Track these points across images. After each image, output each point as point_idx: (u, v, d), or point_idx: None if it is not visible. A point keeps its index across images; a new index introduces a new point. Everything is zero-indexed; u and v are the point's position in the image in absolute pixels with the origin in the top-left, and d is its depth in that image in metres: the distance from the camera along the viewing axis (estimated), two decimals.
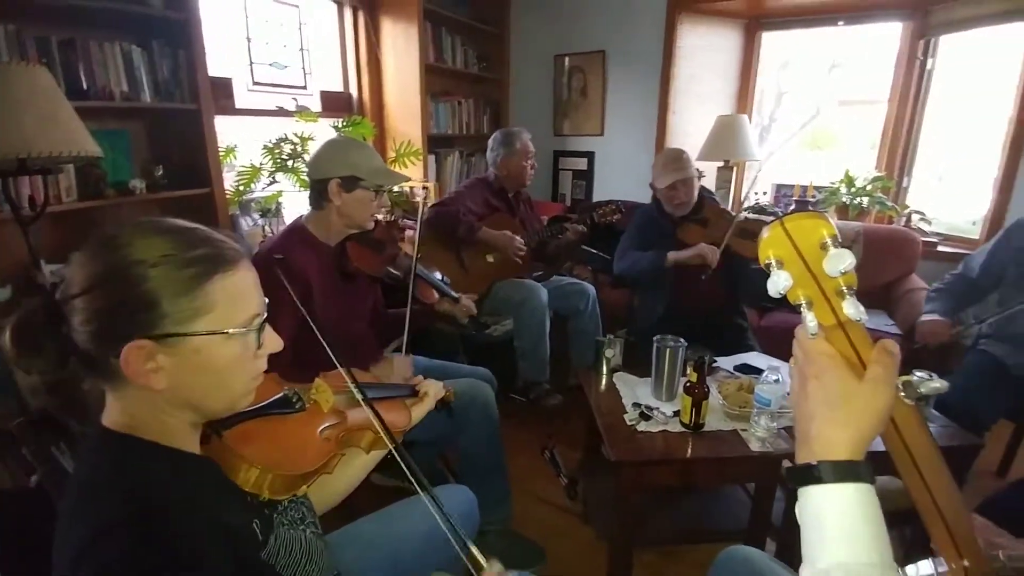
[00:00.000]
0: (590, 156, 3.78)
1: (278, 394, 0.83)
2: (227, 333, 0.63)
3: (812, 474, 0.52)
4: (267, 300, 0.69)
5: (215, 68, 2.17)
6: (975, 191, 2.98)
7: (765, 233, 0.52)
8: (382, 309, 1.74)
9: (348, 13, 3.01)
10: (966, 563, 0.59)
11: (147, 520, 0.56)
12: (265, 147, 2.39)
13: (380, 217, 1.65)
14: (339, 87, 3.08)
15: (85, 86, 1.78)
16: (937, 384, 0.56)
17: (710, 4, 3.24)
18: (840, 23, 3.23)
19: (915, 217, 3.13)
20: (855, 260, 0.48)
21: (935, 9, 2.95)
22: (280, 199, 2.48)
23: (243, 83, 2.52)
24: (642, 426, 1.46)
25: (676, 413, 1.49)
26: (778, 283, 0.51)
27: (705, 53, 3.43)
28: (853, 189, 3.18)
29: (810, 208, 3.28)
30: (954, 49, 3.00)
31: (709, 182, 3.46)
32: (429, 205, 2.18)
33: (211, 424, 0.70)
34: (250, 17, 2.54)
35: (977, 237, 2.87)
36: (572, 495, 1.91)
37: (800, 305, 0.54)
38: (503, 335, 2.53)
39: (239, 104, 2.44)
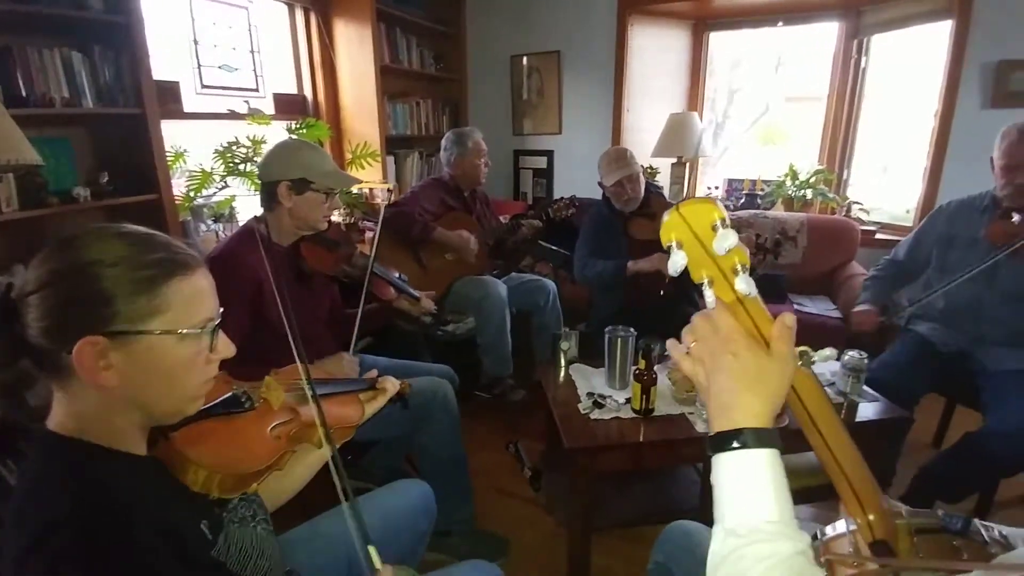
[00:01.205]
0: (549, 155, 3.84)
1: (227, 393, 0.84)
2: (180, 333, 0.64)
3: (737, 440, 0.56)
4: (221, 308, 0.70)
5: (161, 72, 2.13)
6: (908, 181, 3.17)
7: (665, 217, 0.57)
8: (343, 310, 1.75)
9: (300, 14, 2.99)
10: (871, 517, 0.64)
11: (94, 518, 0.56)
12: (216, 151, 2.35)
13: (335, 218, 1.66)
14: (293, 89, 3.06)
15: (24, 93, 1.74)
16: (827, 352, 0.62)
17: (659, 5, 3.34)
18: (780, 23, 3.38)
19: (854, 207, 3.30)
20: (738, 239, 0.53)
21: (866, 10, 3.13)
22: (233, 203, 2.45)
23: (191, 87, 2.48)
24: (595, 414, 1.51)
25: (628, 400, 1.55)
26: (676, 263, 0.56)
27: (656, 53, 3.54)
28: (798, 182, 3.33)
29: (758, 203, 3.43)
30: (885, 48, 3.18)
31: (663, 178, 3.57)
32: (392, 202, 2.19)
33: (159, 426, 0.71)
34: (196, 20, 2.50)
35: (911, 224, 3.05)
36: (536, 487, 1.96)
37: (703, 284, 0.59)
38: (466, 333, 2.56)
39: (187, 108, 2.40)
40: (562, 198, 2.59)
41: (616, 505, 1.74)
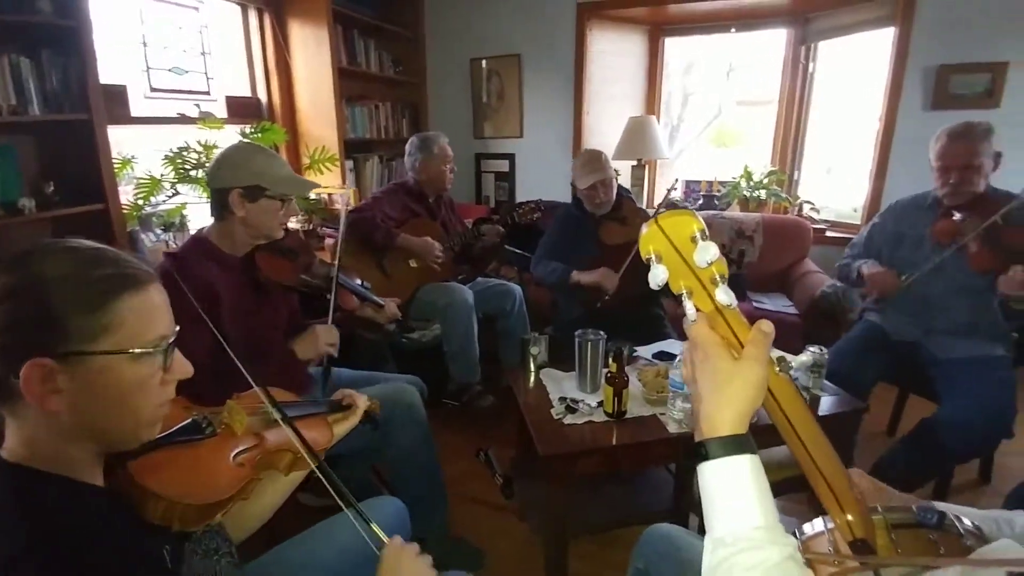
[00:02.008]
0: (511, 158, 3.84)
1: (186, 420, 0.79)
2: (132, 352, 0.61)
3: (701, 452, 0.58)
4: (177, 327, 0.67)
5: (108, 75, 2.02)
6: (854, 181, 3.32)
7: (644, 230, 0.56)
8: (302, 322, 1.68)
9: (253, 15, 2.89)
10: (849, 517, 0.65)
11: (54, 550, 0.54)
12: (166, 157, 2.24)
13: (293, 225, 1.59)
14: (246, 92, 2.95)
15: None
16: (804, 358, 0.63)
17: (616, 11, 3.39)
18: (732, 30, 3.48)
19: (806, 207, 3.43)
20: (719, 251, 0.53)
21: (814, 17, 3.26)
22: (184, 211, 2.34)
23: (139, 90, 2.35)
24: (568, 419, 1.51)
25: (600, 403, 1.55)
26: (657, 276, 0.55)
27: (615, 57, 3.59)
28: (752, 183, 3.44)
29: (716, 204, 3.52)
30: (832, 54, 3.32)
31: (624, 180, 3.62)
32: (354, 208, 2.13)
33: (116, 454, 0.67)
34: (145, 21, 2.38)
35: (859, 222, 3.19)
36: (508, 494, 1.94)
37: (682, 295, 0.59)
38: (432, 340, 2.52)
39: (135, 112, 2.27)
40: (528, 202, 2.59)
41: (590, 509, 1.74)
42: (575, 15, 3.38)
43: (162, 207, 2.30)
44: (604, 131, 3.62)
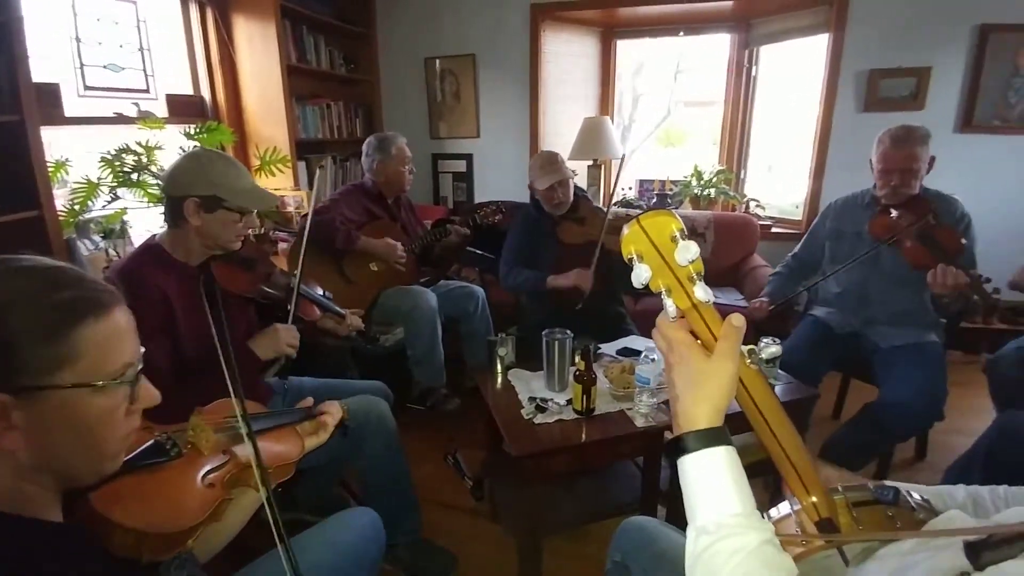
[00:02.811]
0: (468, 158, 3.83)
1: (148, 442, 0.75)
2: (96, 385, 0.56)
3: (679, 446, 0.60)
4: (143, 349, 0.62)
5: (40, 73, 1.87)
6: (795, 179, 3.50)
7: (625, 231, 0.58)
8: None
9: (194, 10, 2.75)
10: (814, 499, 0.69)
11: None
12: (104, 159, 2.10)
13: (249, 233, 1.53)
14: (188, 90, 2.81)
15: None
16: (774, 349, 0.66)
17: (569, 13, 3.43)
18: (681, 33, 3.60)
19: (752, 204, 3.59)
20: (699, 250, 0.55)
21: (755, 23, 3.41)
22: (125, 217, 2.20)
23: (72, 89, 2.20)
24: (539, 418, 1.52)
25: (569, 402, 1.57)
26: (640, 275, 0.57)
27: (569, 58, 3.64)
28: (702, 182, 3.57)
29: (668, 203, 3.63)
30: (773, 58, 3.49)
31: (580, 180, 3.68)
32: (313, 210, 2.06)
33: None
34: (79, 15, 2.22)
35: (800, 218, 3.37)
36: (478, 496, 1.94)
37: (661, 293, 0.61)
38: (395, 345, 2.49)
39: (69, 112, 2.12)
40: (489, 203, 2.59)
41: (560, 506, 1.76)
42: (529, 16, 3.41)
43: (100, 213, 2.15)
44: (560, 131, 3.66)
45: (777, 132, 3.67)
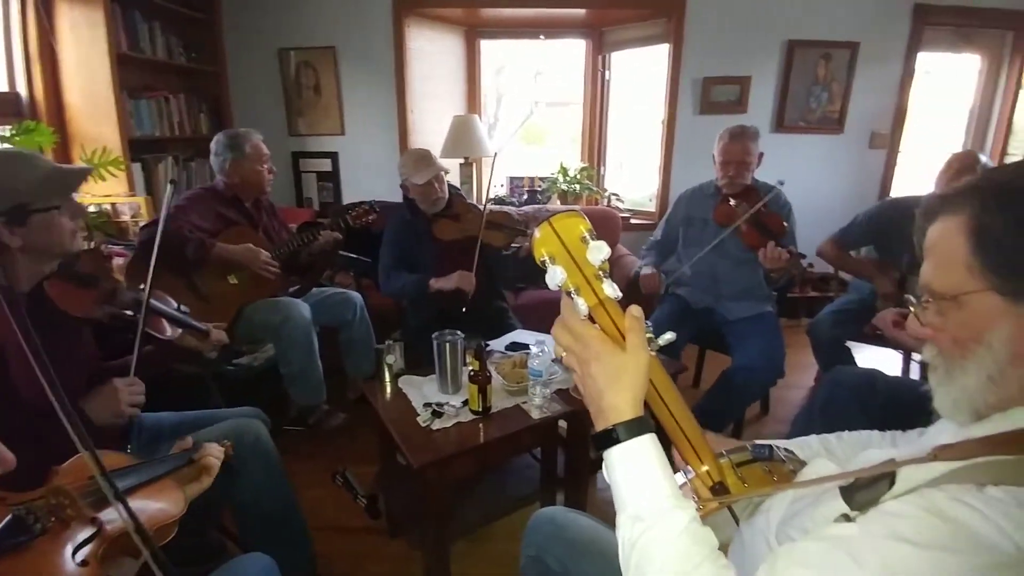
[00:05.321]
0: (334, 156, 3.62)
1: (5, 518, 0.59)
2: None
3: (612, 437, 0.62)
4: None
5: None
6: (647, 174, 3.85)
7: (537, 233, 0.58)
8: (99, 363, 1.37)
9: None
10: (706, 467, 0.76)
11: None
12: None
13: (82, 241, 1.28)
14: (3, 86, 2.30)
15: None
16: (669, 336, 0.71)
17: (432, 10, 3.39)
18: (541, 36, 3.75)
19: (612, 198, 3.87)
20: (610, 249, 0.57)
21: (606, 31, 3.66)
22: None
23: None
24: (437, 424, 1.49)
25: (465, 403, 1.56)
26: (555, 278, 0.57)
27: (435, 56, 3.59)
28: (568, 178, 3.76)
29: (539, 198, 3.77)
30: (623, 64, 3.78)
31: (453, 178, 3.67)
32: (152, 219, 1.77)
33: None
34: None
35: (654, 210, 3.71)
36: (374, 514, 1.84)
37: (570, 292, 0.62)
38: (265, 364, 2.26)
39: None
40: (360, 203, 2.44)
41: (462, 509, 1.74)
42: (391, 11, 3.30)
43: None
44: (430, 129, 3.61)
45: (629, 131, 4.00)
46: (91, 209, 2.35)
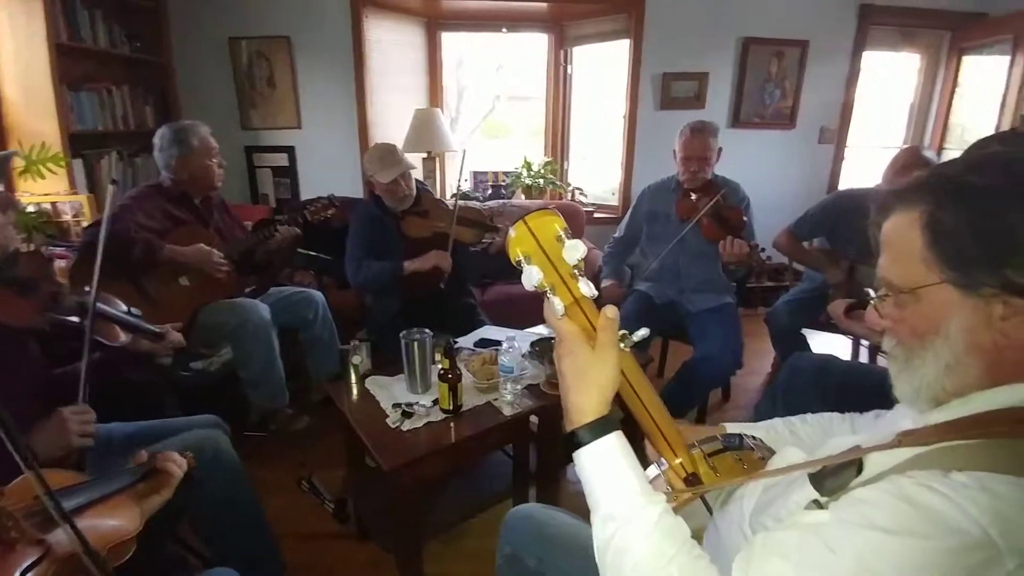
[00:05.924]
0: (290, 151, 3.49)
1: None
2: None
3: (579, 436, 0.62)
4: None
5: None
6: (609, 168, 3.89)
7: (512, 233, 0.57)
8: (48, 371, 1.28)
9: None
10: (679, 460, 0.77)
11: None
12: None
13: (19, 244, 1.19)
14: None
15: None
16: (643, 332, 0.71)
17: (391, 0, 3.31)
18: (503, 30, 3.72)
19: (576, 192, 3.90)
20: (586, 248, 0.57)
21: (568, 25, 3.67)
22: None
23: None
24: (407, 424, 1.46)
25: (435, 402, 1.54)
26: (532, 278, 0.56)
27: (395, 48, 3.51)
28: (532, 173, 3.76)
29: (503, 193, 3.76)
30: (585, 58, 3.80)
31: (417, 173, 3.61)
32: (95, 220, 1.66)
33: None
34: None
35: (617, 204, 3.76)
36: (343, 518, 1.80)
37: (545, 291, 0.61)
38: (222, 368, 2.17)
39: None
40: (318, 198, 2.36)
41: (435, 508, 1.72)
42: (349, 0, 3.20)
43: None
44: (391, 123, 3.54)
45: (591, 125, 4.03)
46: (30, 209, 2.20)
